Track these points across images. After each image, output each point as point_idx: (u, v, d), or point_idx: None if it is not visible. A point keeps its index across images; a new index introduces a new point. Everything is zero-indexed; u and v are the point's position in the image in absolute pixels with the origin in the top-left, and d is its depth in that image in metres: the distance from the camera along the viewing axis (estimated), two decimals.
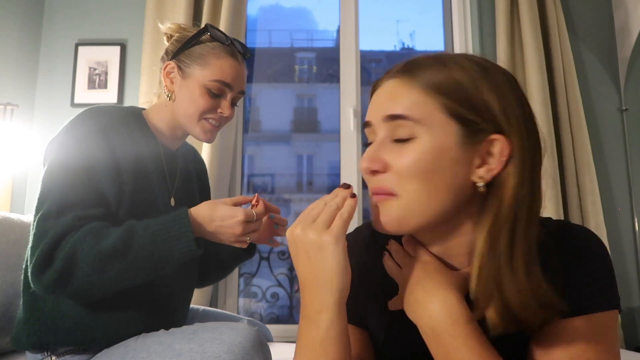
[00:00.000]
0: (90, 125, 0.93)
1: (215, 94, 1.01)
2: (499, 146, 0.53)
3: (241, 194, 2.04)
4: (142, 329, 0.93)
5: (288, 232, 0.56)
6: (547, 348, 0.54)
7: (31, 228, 0.87)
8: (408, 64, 0.57)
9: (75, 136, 0.91)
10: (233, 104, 1.06)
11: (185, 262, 1.02)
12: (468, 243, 0.57)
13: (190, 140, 1.21)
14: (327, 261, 0.52)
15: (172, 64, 1.04)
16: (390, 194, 0.54)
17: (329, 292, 0.52)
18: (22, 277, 0.94)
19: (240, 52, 1.06)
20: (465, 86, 0.53)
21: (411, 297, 0.56)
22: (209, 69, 1.01)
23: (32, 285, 0.83)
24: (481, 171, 0.54)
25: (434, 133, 0.53)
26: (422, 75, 0.55)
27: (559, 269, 0.54)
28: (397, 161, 0.54)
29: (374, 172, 0.55)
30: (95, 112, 0.95)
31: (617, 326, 0.56)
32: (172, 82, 1.04)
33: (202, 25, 1.10)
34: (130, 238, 0.83)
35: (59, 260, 0.80)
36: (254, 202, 0.97)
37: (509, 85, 0.55)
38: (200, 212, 0.89)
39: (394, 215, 0.54)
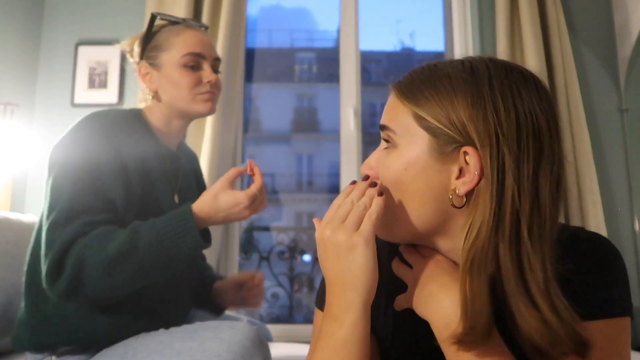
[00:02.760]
0: (95, 129, 0.93)
1: (192, 66, 1.03)
2: (472, 160, 0.51)
3: None
4: (143, 329, 0.93)
5: (318, 234, 0.57)
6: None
7: (34, 233, 0.88)
8: (404, 77, 0.59)
9: (80, 141, 0.92)
10: (215, 71, 1.07)
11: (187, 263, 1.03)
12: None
13: (191, 141, 1.21)
14: (356, 262, 0.53)
15: (143, 63, 1.06)
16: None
17: (356, 293, 0.53)
18: (23, 277, 0.94)
19: (196, 24, 1.10)
20: (441, 96, 0.53)
21: (425, 291, 0.56)
22: (174, 48, 1.03)
23: (48, 294, 0.85)
24: (458, 182, 0.53)
25: (408, 143, 0.56)
26: (404, 86, 0.58)
27: (574, 276, 0.53)
28: (382, 170, 0.58)
29: (367, 177, 0.60)
30: (97, 116, 0.96)
31: (629, 332, 0.56)
32: (151, 82, 1.05)
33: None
34: (136, 239, 0.84)
35: (68, 268, 0.81)
36: (249, 171, 0.98)
37: (502, 92, 0.52)
38: (204, 207, 0.90)
39: (383, 221, 0.56)
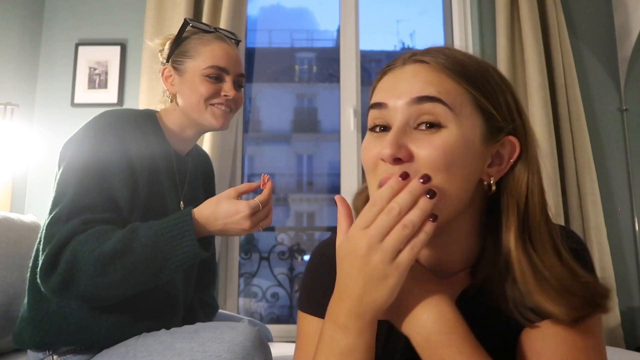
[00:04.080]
0: (106, 127, 0.93)
1: (214, 78, 1.02)
2: (509, 147, 0.54)
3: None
4: (144, 329, 0.93)
5: (350, 240, 0.48)
6: (536, 349, 0.54)
7: (41, 229, 0.88)
8: (433, 52, 0.55)
9: (90, 138, 0.92)
10: (237, 86, 1.07)
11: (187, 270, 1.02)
12: (463, 249, 0.57)
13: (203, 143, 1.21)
14: (381, 291, 0.47)
15: (168, 67, 1.06)
16: None
17: (369, 311, 0.49)
18: (27, 275, 0.94)
19: (227, 36, 1.08)
20: (491, 82, 0.54)
21: (401, 308, 0.52)
22: (200, 57, 1.02)
23: (41, 288, 0.84)
24: (492, 170, 0.54)
25: (463, 123, 0.51)
26: (453, 64, 0.53)
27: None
28: (424, 151, 0.50)
29: (397, 161, 0.50)
30: (110, 114, 0.96)
31: (602, 323, 0.57)
32: (172, 85, 1.06)
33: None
34: (132, 239, 0.83)
35: (62, 263, 0.80)
36: (262, 185, 0.94)
37: (508, 83, 0.57)
38: (204, 211, 0.89)
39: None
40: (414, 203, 0.46)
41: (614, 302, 1.75)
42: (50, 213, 0.87)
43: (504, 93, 0.55)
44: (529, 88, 1.86)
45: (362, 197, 0.65)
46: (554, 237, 0.54)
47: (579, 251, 0.57)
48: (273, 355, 0.91)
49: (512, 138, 0.54)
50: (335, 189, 2.06)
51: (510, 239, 0.53)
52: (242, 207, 0.88)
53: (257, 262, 2.13)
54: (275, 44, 2.41)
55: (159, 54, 1.11)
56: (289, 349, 1.36)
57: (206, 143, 1.76)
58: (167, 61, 1.07)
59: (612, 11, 2.06)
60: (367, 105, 0.59)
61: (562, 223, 1.77)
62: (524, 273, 0.52)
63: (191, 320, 1.00)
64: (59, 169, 0.93)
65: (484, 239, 0.57)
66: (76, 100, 1.93)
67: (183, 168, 1.10)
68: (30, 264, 0.93)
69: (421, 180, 0.47)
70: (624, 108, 1.98)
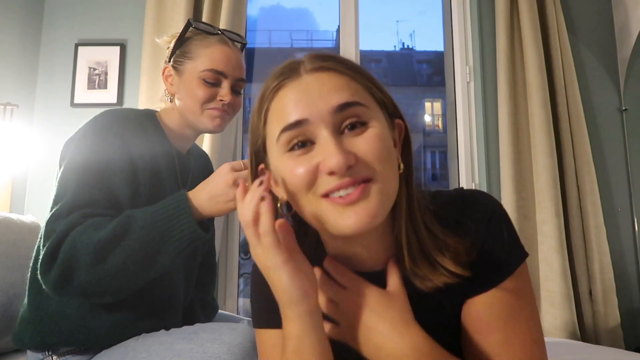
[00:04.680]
0: (108, 126, 0.93)
1: (211, 83, 1.01)
2: (398, 128, 0.58)
3: None
4: (144, 329, 0.93)
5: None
6: (481, 319, 0.56)
7: (42, 228, 0.87)
8: (317, 57, 0.55)
9: (92, 137, 0.92)
10: (235, 91, 1.05)
11: (186, 263, 1.02)
12: (384, 238, 0.58)
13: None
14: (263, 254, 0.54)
15: (169, 67, 1.06)
16: (369, 180, 0.50)
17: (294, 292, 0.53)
18: (28, 275, 0.94)
19: (232, 39, 1.07)
20: (369, 75, 0.57)
21: (370, 345, 0.54)
22: (199, 60, 1.01)
23: (42, 285, 0.83)
24: (396, 151, 0.57)
25: (377, 117, 0.54)
26: (347, 65, 0.55)
27: (464, 236, 0.56)
28: (363, 148, 0.51)
29: (349, 167, 0.50)
30: (112, 113, 0.96)
31: (528, 272, 0.59)
32: (171, 85, 1.06)
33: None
34: (129, 223, 0.82)
35: (61, 255, 0.79)
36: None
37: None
38: (196, 192, 0.88)
39: (374, 203, 0.50)
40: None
41: (613, 302, 1.75)
42: (50, 211, 0.86)
43: (375, 82, 0.57)
44: (529, 88, 1.86)
45: None
46: (422, 207, 0.57)
47: (482, 215, 0.58)
48: None
49: (398, 120, 0.58)
50: None
51: (402, 215, 0.55)
52: (223, 167, 0.87)
53: None
54: (275, 44, 2.42)
55: (167, 51, 1.10)
56: None
57: (206, 143, 1.76)
58: (169, 60, 1.07)
59: (612, 11, 2.06)
60: None
61: (562, 223, 1.77)
62: (411, 244, 0.55)
63: (191, 321, 1.00)
64: (59, 168, 0.93)
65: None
66: (76, 101, 1.93)
67: (185, 167, 1.10)
68: (31, 264, 0.93)
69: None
70: (624, 108, 1.98)
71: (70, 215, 0.83)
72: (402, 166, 0.55)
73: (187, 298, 1.10)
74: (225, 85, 1.02)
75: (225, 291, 1.92)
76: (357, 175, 0.50)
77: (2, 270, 1.21)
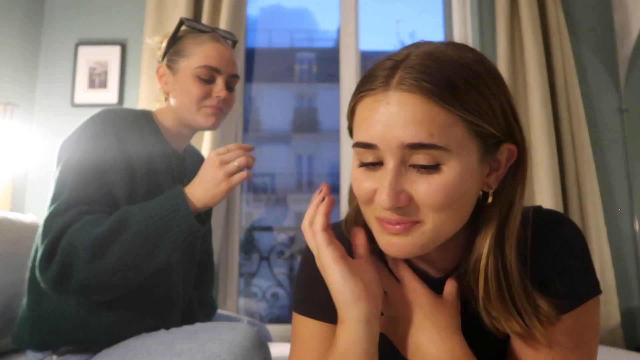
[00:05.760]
0: (104, 126, 0.94)
1: (205, 79, 1.02)
2: (507, 153, 0.52)
3: (241, 194, 2.04)
4: (143, 328, 0.93)
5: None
6: (534, 344, 0.53)
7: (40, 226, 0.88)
8: (417, 66, 0.47)
9: (89, 136, 0.92)
10: (229, 88, 1.06)
11: (184, 261, 1.02)
12: (452, 249, 0.57)
13: (191, 141, 1.22)
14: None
15: (162, 66, 1.07)
16: (417, 222, 0.49)
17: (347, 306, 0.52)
18: (27, 275, 0.94)
19: (224, 36, 1.08)
20: (485, 93, 0.48)
21: (411, 342, 0.54)
22: (193, 57, 1.02)
23: (41, 283, 0.83)
24: (491, 179, 0.52)
25: (460, 155, 0.47)
26: (442, 87, 0.46)
27: (540, 263, 0.54)
28: (422, 194, 0.48)
29: (400, 207, 0.49)
30: (109, 113, 0.97)
31: (598, 308, 0.57)
32: (166, 84, 1.07)
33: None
34: (126, 218, 0.83)
35: (59, 250, 0.80)
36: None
37: (499, 81, 0.52)
38: (190, 185, 0.90)
39: (416, 241, 0.50)
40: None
41: (614, 302, 1.75)
42: (48, 209, 0.87)
43: (499, 99, 0.50)
44: (529, 88, 1.86)
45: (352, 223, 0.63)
46: (520, 246, 0.53)
47: (561, 241, 0.55)
48: (273, 355, 0.91)
49: (510, 146, 0.52)
50: (335, 189, 2.06)
51: (485, 246, 0.52)
52: (209, 155, 0.90)
53: (257, 262, 2.13)
54: (275, 44, 2.42)
55: (158, 52, 1.11)
56: (288, 349, 1.36)
57: (206, 143, 1.76)
58: (163, 59, 1.07)
59: (612, 11, 2.06)
60: None
61: None
62: (488, 282, 0.52)
63: (190, 321, 1.00)
64: (57, 167, 0.93)
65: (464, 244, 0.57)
66: (76, 100, 1.93)
67: (182, 166, 1.10)
68: (30, 263, 0.93)
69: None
70: (624, 108, 1.98)
71: (67, 212, 0.84)
72: (490, 196, 0.52)
73: (186, 297, 1.10)
74: (220, 82, 1.03)
75: (225, 291, 1.92)
76: (406, 215, 0.49)
77: (2, 270, 1.21)
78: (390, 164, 0.48)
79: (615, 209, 1.92)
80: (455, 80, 0.47)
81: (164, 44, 1.08)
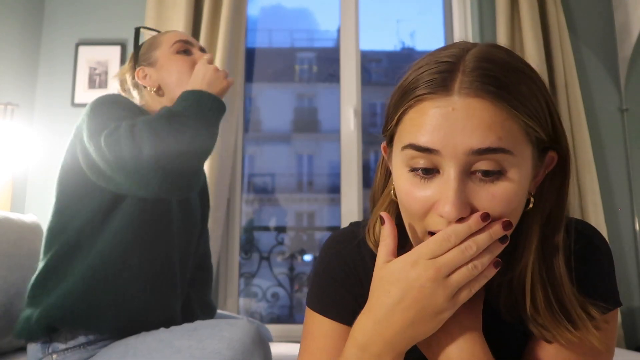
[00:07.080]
0: (112, 97, 1.02)
1: (184, 51, 1.12)
2: (548, 159, 0.51)
3: (241, 194, 2.04)
4: (146, 302, 0.95)
5: (410, 267, 0.47)
6: (555, 348, 0.53)
7: (53, 208, 0.94)
8: (481, 79, 0.46)
9: (102, 102, 1.00)
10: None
11: (181, 242, 1.05)
12: None
13: None
14: (431, 325, 0.47)
15: (140, 69, 1.12)
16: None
17: (409, 343, 0.48)
18: (41, 253, 0.97)
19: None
20: (539, 97, 0.48)
21: (432, 339, 0.51)
22: (163, 42, 1.13)
23: (107, 154, 0.89)
24: (531, 185, 0.51)
25: (520, 162, 0.46)
26: (511, 94, 0.45)
27: (578, 271, 0.53)
28: (485, 203, 0.46)
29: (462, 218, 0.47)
30: (109, 95, 1.05)
31: (617, 321, 0.57)
32: (151, 79, 1.11)
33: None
34: (170, 108, 0.96)
35: (124, 131, 0.88)
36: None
37: (545, 85, 0.50)
38: (194, 87, 1.01)
39: None
40: (484, 243, 0.46)
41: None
42: (92, 137, 0.92)
43: (549, 105, 0.49)
44: None
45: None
46: (565, 254, 0.52)
47: (588, 250, 0.56)
48: (273, 355, 0.91)
49: (552, 154, 0.51)
50: (335, 189, 2.06)
51: (530, 254, 0.51)
52: (201, 63, 1.05)
53: (257, 262, 2.13)
54: (275, 44, 2.42)
55: (126, 85, 1.18)
56: (288, 349, 1.36)
57: None
58: (138, 66, 1.13)
59: (612, 11, 2.06)
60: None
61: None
62: (535, 291, 0.51)
63: (190, 319, 1.00)
64: (82, 123, 0.99)
65: None
66: (76, 100, 1.93)
67: None
68: (43, 243, 0.96)
69: (502, 226, 0.46)
70: (624, 108, 1.98)
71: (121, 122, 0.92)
72: (532, 202, 0.50)
73: (184, 278, 1.10)
74: (196, 51, 1.13)
75: (225, 291, 1.93)
76: None
77: (2, 270, 1.22)
78: (452, 171, 0.46)
79: (616, 208, 1.92)
80: (518, 84, 0.46)
81: (130, 61, 1.16)
